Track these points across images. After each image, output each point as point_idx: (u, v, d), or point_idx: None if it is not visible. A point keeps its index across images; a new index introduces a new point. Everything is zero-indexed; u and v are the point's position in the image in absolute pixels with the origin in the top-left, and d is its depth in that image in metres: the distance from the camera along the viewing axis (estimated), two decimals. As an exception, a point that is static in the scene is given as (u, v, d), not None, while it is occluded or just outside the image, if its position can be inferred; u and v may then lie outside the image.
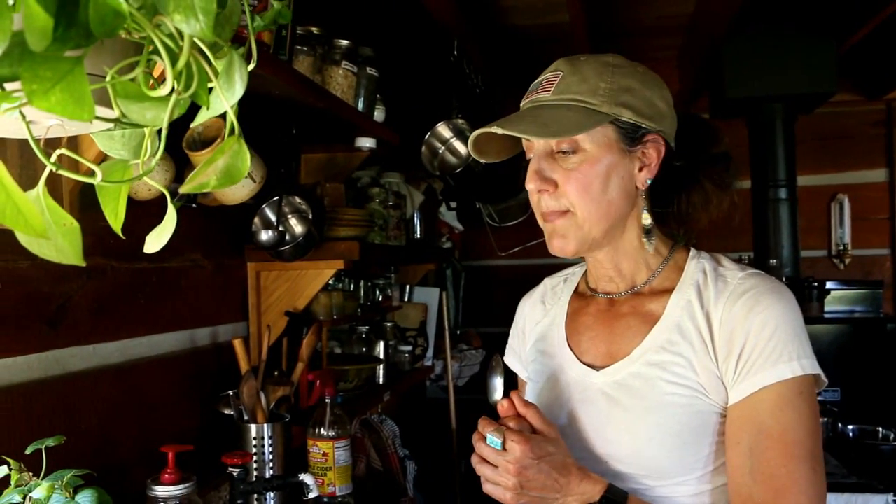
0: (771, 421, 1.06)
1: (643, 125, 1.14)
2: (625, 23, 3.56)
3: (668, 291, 1.19)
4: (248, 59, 0.67)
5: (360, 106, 2.26)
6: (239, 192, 1.73)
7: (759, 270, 1.18)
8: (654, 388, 1.12)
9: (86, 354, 1.51)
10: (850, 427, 3.14)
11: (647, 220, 1.18)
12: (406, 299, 3.43)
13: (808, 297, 3.74)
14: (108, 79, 0.58)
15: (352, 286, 2.70)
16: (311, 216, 2.05)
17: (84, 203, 1.43)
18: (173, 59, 0.57)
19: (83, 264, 0.63)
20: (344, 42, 2.13)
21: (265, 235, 1.99)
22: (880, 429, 3.15)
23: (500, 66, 3.88)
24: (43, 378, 1.39)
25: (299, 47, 1.92)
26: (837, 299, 3.90)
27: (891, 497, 2.65)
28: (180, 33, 0.57)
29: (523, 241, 4.23)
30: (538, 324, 1.36)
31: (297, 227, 2.11)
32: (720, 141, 1.25)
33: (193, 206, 1.80)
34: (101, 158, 1.40)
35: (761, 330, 1.08)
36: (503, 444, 1.06)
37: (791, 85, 3.57)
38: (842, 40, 3.56)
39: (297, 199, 2.10)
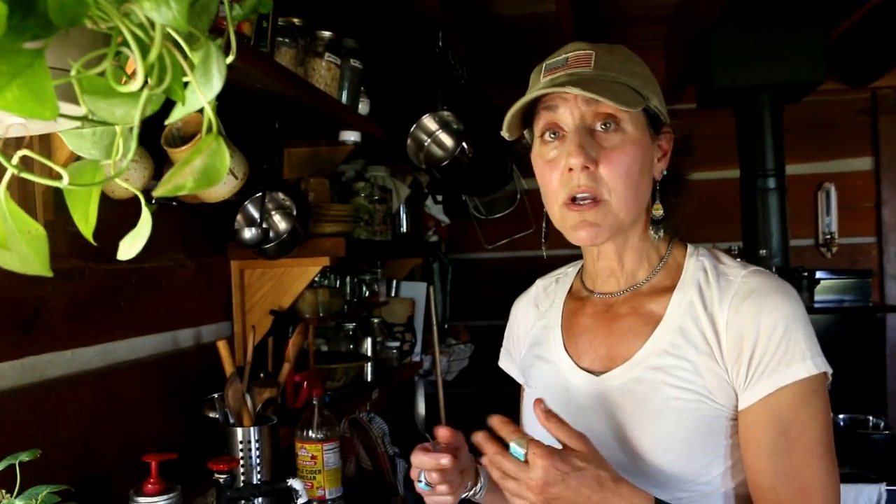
0: (790, 422, 1.03)
1: (661, 116, 1.13)
2: (610, 12, 3.51)
3: (668, 290, 1.15)
4: (226, 51, 0.62)
5: (344, 98, 2.20)
6: (220, 189, 1.67)
7: (760, 267, 1.15)
8: (659, 393, 1.08)
9: (63, 360, 1.46)
10: (841, 416, 3.11)
11: (658, 211, 1.15)
12: (393, 294, 3.38)
13: (798, 287, 3.71)
14: (72, 73, 0.53)
15: (337, 282, 2.65)
16: (295, 212, 1.99)
17: (59, 202, 1.37)
18: (144, 52, 0.52)
19: (50, 274, 0.58)
20: (327, 33, 2.07)
21: (248, 233, 1.94)
22: (871, 417, 3.12)
23: (484, 57, 3.83)
24: (17, 386, 1.33)
25: (281, 39, 1.86)
26: (827, 289, 3.89)
27: (883, 486, 2.62)
28: (151, 23, 0.52)
29: (510, 233, 4.19)
30: (533, 327, 1.32)
31: (281, 223, 2.05)
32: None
33: (174, 203, 1.74)
34: (74, 158, 1.34)
35: (772, 331, 1.04)
36: (526, 456, 0.96)
37: (779, 74, 3.53)
38: (829, 29, 3.53)
39: (281, 196, 2.04)
